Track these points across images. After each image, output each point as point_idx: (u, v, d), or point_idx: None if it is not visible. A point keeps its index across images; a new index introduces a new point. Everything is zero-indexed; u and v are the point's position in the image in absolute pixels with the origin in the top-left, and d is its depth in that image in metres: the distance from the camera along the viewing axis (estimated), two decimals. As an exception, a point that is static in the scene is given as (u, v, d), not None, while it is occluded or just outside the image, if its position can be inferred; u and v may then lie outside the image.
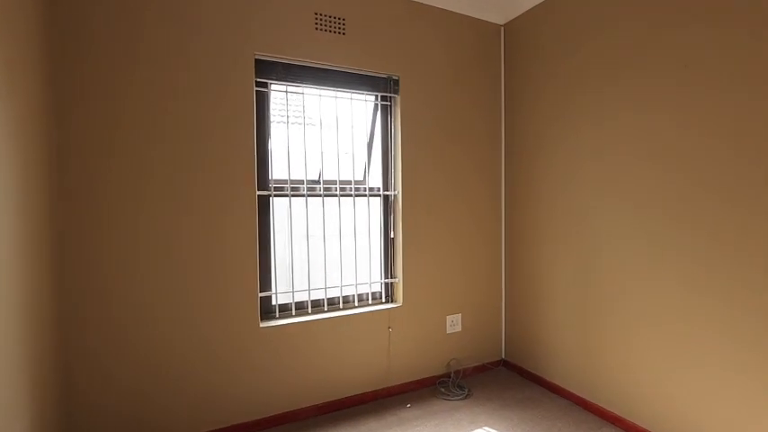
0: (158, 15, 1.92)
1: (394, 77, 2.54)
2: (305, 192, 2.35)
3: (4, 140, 1.32)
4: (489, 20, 2.82)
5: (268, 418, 2.18)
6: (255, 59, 2.14)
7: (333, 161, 2.45)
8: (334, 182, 2.46)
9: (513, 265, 2.87)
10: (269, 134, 2.24)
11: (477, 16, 2.77)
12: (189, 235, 2.00)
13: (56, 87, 1.74)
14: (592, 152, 2.28)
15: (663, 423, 1.96)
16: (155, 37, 1.91)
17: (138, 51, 1.89)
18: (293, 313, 2.33)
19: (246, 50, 2.10)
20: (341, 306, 2.47)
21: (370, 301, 2.57)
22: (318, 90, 2.38)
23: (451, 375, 2.70)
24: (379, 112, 2.60)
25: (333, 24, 2.31)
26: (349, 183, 2.50)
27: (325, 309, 2.42)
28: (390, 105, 2.60)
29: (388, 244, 2.63)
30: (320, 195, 2.40)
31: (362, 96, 2.53)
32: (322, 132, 2.39)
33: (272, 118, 2.27)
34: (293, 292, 2.33)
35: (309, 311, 2.37)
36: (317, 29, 2.27)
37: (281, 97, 2.31)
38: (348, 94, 2.47)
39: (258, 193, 2.19)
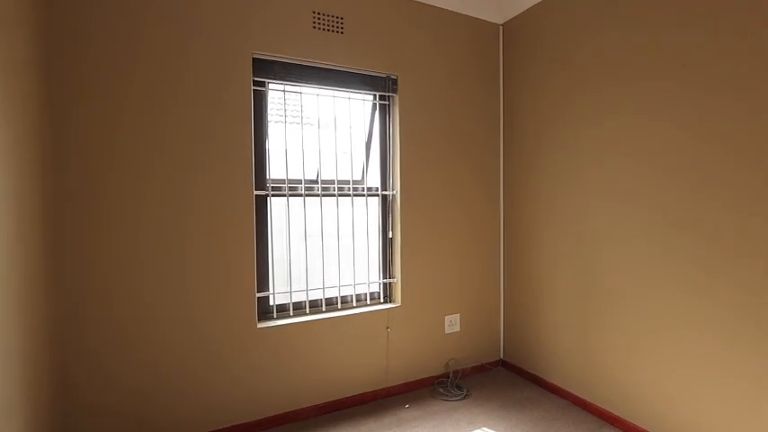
0: (158, 15, 1.92)
1: (392, 77, 2.53)
2: (303, 192, 2.35)
3: (2, 140, 1.33)
4: (488, 19, 2.82)
5: (269, 418, 2.18)
6: (253, 58, 2.14)
7: (331, 161, 2.44)
8: (332, 181, 2.45)
9: (511, 265, 2.86)
10: (266, 134, 2.24)
11: (475, 15, 2.77)
12: (188, 234, 2.00)
13: (55, 88, 1.74)
14: (591, 153, 2.27)
15: (663, 423, 1.95)
16: (154, 37, 1.91)
17: (138, 51, 1.88)
18: (291, 313, 2.33)
19: (245, 50, 2.10)
20: (339, 306, 2.47)
21: (368, 302, 2.56)
22: (316, 89, 2.37)
23: (450, 375, 2.70)
24: (377, 112, 2.59)
25: (331, 23, 2.31)
26: (347, 182, 2.50)
27: (324, 309, 2.42)
28: (389, 105, 2.59)
29: (387, 244, 2.63)
30: (318, 195, 2.40)
31: (361, 96, 2.52)
32: (320, 132, 2.39)
33: (269, 117, 2.26)
34: (291, 292, 2.33)
35: (307, 312, 2.37)
36: (315, 27, 2.26)
37: (279, 97, 2.31)
38: (346, 94, 2.46)
39: (255, 192, 2.19)
